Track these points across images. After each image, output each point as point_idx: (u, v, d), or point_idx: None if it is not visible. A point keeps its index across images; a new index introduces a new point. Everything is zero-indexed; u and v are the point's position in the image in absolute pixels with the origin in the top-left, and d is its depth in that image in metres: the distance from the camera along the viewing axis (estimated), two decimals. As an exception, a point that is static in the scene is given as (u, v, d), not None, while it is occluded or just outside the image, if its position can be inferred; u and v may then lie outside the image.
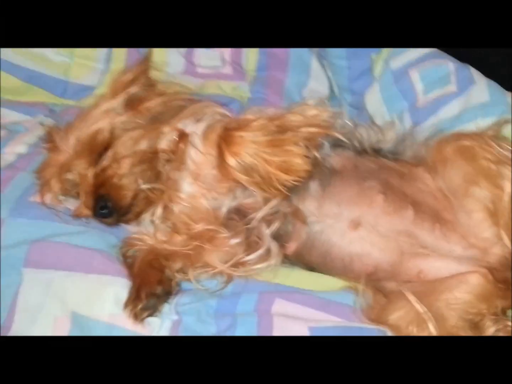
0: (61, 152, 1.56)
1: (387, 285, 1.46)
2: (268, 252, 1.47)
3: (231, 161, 1.41)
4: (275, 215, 1.47)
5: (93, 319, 1.38)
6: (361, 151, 1.57)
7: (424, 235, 1.44)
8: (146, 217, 1.53)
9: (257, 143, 1.40)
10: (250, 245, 1.47)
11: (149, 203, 1.52)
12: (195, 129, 1.54)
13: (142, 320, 1.35)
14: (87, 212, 1.52)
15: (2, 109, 1.92)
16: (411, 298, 1.35)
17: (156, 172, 1.54)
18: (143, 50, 1.97)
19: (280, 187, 1.41)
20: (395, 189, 1.49)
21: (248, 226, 1.47)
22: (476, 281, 1.38)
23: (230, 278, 1.45)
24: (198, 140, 1.52)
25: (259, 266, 1.46)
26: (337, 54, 1.98)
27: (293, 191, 1.45)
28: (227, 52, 2.08)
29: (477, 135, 1.53)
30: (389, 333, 1.34)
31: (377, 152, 1.58)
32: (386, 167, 1.54)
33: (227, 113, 1.65)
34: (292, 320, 1.35)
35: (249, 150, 1.40)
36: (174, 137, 1.55)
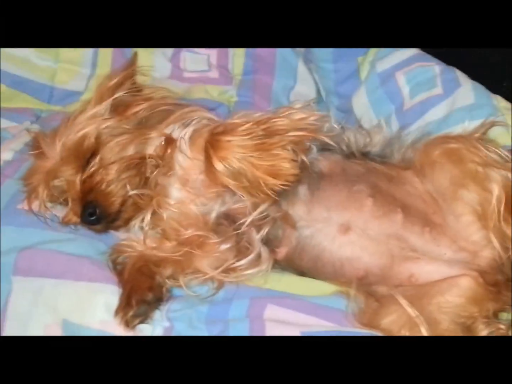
0: (48, 159, 1.54)
1: (379, 289, 1.46)
2: (258, 257, 1.46)
3: (219, 166, 1.40)
4: (264, 220, 1.46)
5: (84, 327, 1.37)
6: (349, 155, 1.57)
7: (414, 239, 1.44)
8: (135, 223, 1.52)
9: (245, 147, 1.40)
10: (240, 251, 1.47)
11: (138, 209, 1.51)
12: (182, 134, 1.53)
13: (133, 327, 1.34)
14: (75, 219, 1.51)
15: (-13, 116, 1.91)
16: (403, 302, 1.35)
17: (144, 178, 1.52)
18: (129, 54, 1.97)
19: (268, 192, 1.40)
20: (384, 193, 1.49)
21: (238, 231, 1.47)
22: (467, 284, 1.39)
23: (221, 284, 1.44)
24: (186, 145, 1.51)
25: (249, 271, 1.46)
26: (323, 57, 1.98)
27: (282, 195, 1.45)
28: (213, 56, 2.08)
29: (464, 138, 1.53)
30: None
31: (365, 155, 1.57)
32: (374, 171, 1.54)
33: (214, 117, 1.64)
34: (284, 325, 1.34)
35: (236, 154, 1.39)
36: (162, 142, 1.55)
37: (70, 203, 1.52)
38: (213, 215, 1.49)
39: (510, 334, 1.37)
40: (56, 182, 1.54)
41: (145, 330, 1.36)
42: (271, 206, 1.46)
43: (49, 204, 1.55)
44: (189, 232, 1.48)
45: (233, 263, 1.46)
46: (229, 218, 1.49)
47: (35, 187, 1.55)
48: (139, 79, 1.73)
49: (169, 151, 1.53)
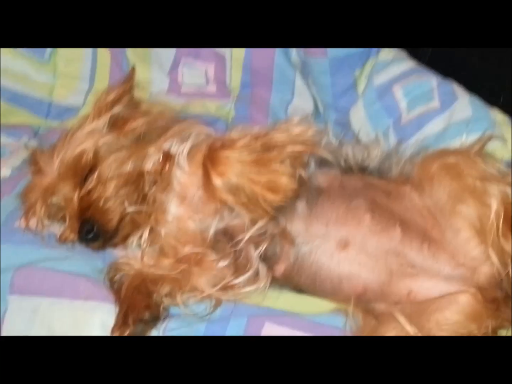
0: (46, 175, 1.54)
1: (377, 306, 1.45)
2: (256, 274, 1.45)
3: (217, 181, 1.39)
4: (262, 237, 1.46)
5: (80, 346, 1.36)
6: (347, 169, 1.56)
7: (412, 255, 1.43)
8: (133, 240, 1.52)
9: (243, 162, 1.39)
10: (238, 268, 1.46)
11: (136, 226, 1.51)
12: (180, 149, 1.53)
13: (130, 346, 1.34)
14: (72, 236, 1.51)
15: (-15, 132, 1.90)
16: (401, 320, 1.34)
17: (142, 194, 1.53)
18: (126, 68, 1.98)
19: (267, 207, 1.40)
20: (382, 208, 1.48)
21: (236, 248, 1.46)
22: (465, 301, 1.38)
23: (218, 302, 1.43)
24: (184, 161, 1.50)
25: (247, 289, 1.45)
26: (321, 71, 1.97)
27: (280, 211, 1.44)
28: (211, 70, 2.09)
29: (462, 152, 1.53)
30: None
31: (363, 170, 1.57)
32: (372, 186, 1.53)
33: (212, 132, 1.64)
34: (282, 344, 1.34)
35: (235, 169, 1.39)
36: (159, 158, 1.54)
37: (67, 220, 1.52)
38: (211, 231, 1.48)
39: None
40: (54, 199, 1.54)
41: (142, 349, 1.35)
42: (269, 222, 1.45)
43: (46, 222, 1.55)
44: (187, 249, 1.47)
45: (231, 280, 1.45)
46: (227, 235, 1.48)
47: (32, 204, 1.55)
48: (137, 93, 1.73)
49: (167, 166, 1.53)
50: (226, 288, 1.44)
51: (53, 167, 1.54)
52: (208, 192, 1.44)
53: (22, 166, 1.72)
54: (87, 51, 2.08)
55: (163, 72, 2.09)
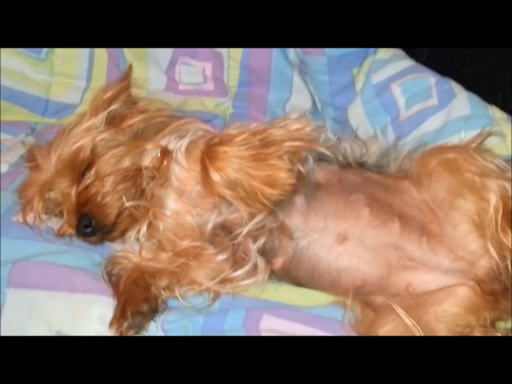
0: (43, 171, 1.54)
1: (376, 299, 1.45)
2: (254, 268, 1.45)
3: (215, 176, 1.40)
4: (261, 231, 1.46)
5: (77, 339, 1.36)
6: (345, 165, 1.57)
7: (411, 248, 1.43)
8: (131, 234, 1.52)
9: (241, 157, 1.39)
10: (236, 261, 1.46)
11: (134, 220, 1.51)
12: (178, 145, 1.53)
13: (128, 338, 1.34)
14: (70, 231, 1.51)
15: (-18, 128, 1.90)
16: (400, 311, 1.34)
17: (140, 189, 1.52)
18: (124, 67, 1.98)
19: (265, 202, 1.40)
20: (381, 202, 1.48)
21: (234, 242, 1.46)
22: (464, 293, 1.38)
23: (217, 295, 1.44)
24: (182, 157, 1.51)
25: (246, 282, 1.45)
26: (318, 69, 1.97)
27: (278, 206, 1.44)
28: (208, 68, 2.08)
29: (460, 148, 1.53)
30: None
31: (361, 165, 1.57)
32: (371, 180, 1.53)
33: (210, 129, 1.64)
34: (280, 336, 1.34)
35: (233, 165, 1.39)
36: (157, 154, 1.54)
37: (65, 215, 1.52)
38: (210, 226, 1.48)
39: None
40: (51, 194, 1.54)
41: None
42: (267, 216, 1.45)
43: (44, 216, 1.55)
44: (185, 243, 1.47)
45: (229, 273, 1.45)
46: (225, 229, 1.48)
47: (30, 199, 1.55)
48: (134, 91, 1.73)
49: (165, 162, 1.53)
50: (224, 281, 1.44)
51: (50, 163, 1.54)
52: (206, 187, 1.45)
53: (19, 162, 1.71)
54: (84, 50, 2.07)
55: (161, 71, 2.09)
